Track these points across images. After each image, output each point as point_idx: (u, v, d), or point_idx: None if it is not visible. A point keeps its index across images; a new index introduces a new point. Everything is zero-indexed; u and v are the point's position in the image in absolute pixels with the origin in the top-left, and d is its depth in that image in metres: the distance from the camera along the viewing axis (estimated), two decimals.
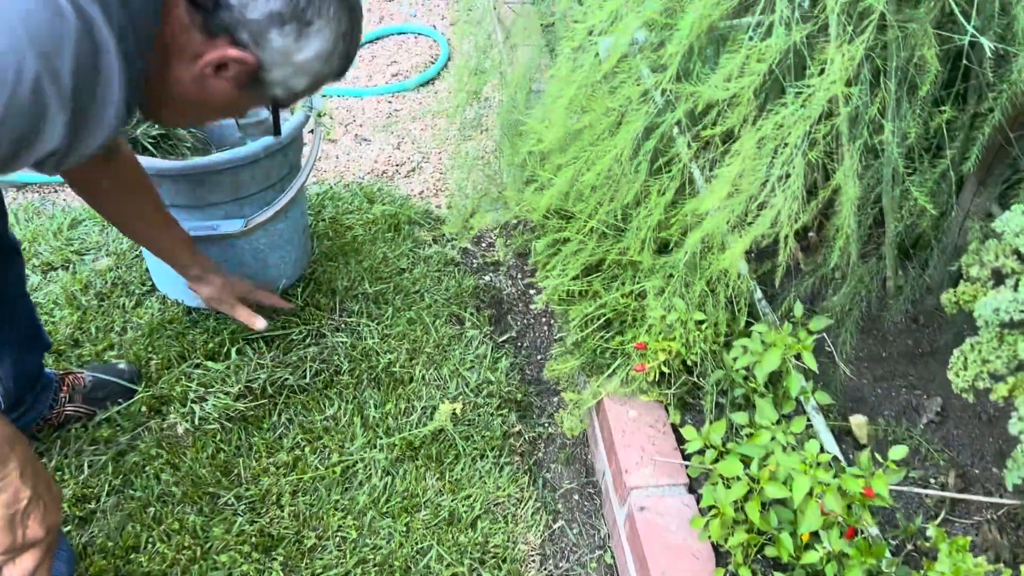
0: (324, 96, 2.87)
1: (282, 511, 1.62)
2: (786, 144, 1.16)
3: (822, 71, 1.11)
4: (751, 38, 1.13)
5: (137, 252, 2.13)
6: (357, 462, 1.71)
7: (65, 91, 0.84)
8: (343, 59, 1.12)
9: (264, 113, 1.23)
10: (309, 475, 1.67)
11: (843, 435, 1.55)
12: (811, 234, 1.83)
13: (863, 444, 1.54)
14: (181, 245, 1.67)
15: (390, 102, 2.88)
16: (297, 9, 1.01)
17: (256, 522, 1.59)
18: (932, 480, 1.48)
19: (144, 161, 1.61)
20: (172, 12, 0.98)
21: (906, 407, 1.61)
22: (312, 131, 1.87)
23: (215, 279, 1.74)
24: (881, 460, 1.24)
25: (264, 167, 1.74)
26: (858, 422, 1.55)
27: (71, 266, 2.11)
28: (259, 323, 1.79)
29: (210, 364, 1.84)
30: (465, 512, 1.64)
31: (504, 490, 1.70)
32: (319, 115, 1.83)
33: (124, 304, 2.01)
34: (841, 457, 1.46)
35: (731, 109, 1.19)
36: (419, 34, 3.22)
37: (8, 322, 1.51)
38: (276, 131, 1.28)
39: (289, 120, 1.76)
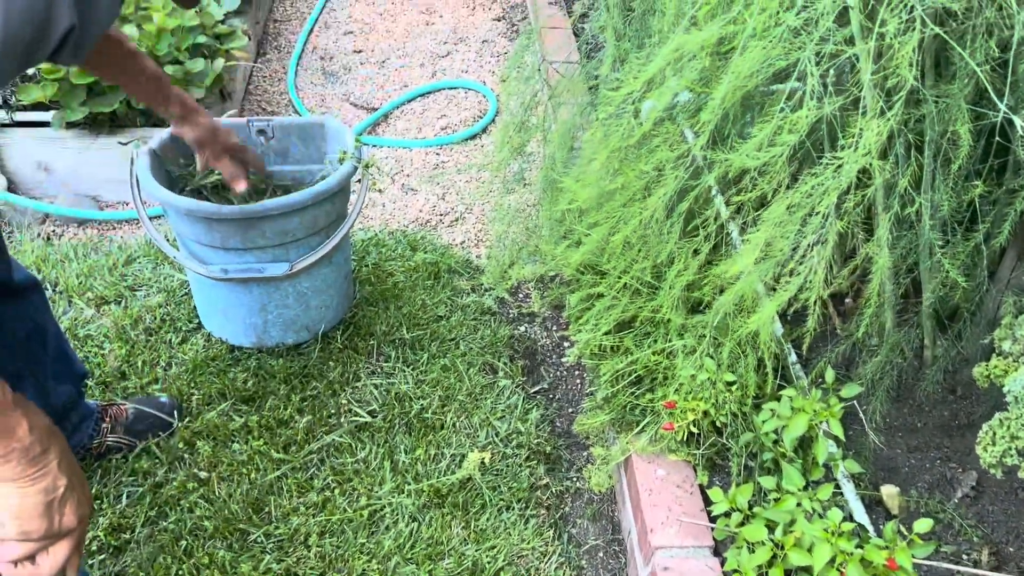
0: (373, 146, 2.96)
1: (309, 551, 1.64)
2: (816, 212, 1.18)
3: (853, 144, 1.13)
4: (782, 109, 1.16)
5: (186, 290, 2.21)
6: (385, 506, 1.73)
7: None
8: None
9: None
10: (337, 517, 1.70)
11: (874, 505, 1.53)
12: (848, 299, 1.82)
13: (894, 515, 1.52)
14: (162, 87, 1.64)
15: (437, 154, 2.96)
16: None
17: (283, 561, 1.62)
18: (965, 556, 1.45)
19: (199, 205, 1.69)
20: None
21: (940, 480, 1.58)
22: (360, 180, 1.94)
23: (202, 120, 1.71)
24: (905, 533, 1.23)
25: (312, 214, 1.81)
26: (889, 492, 1.53)
27: (123, 301, 2.19)
28: (240, 185, 1.82)
29: (247, 404, 1.89)
30: (488, 563, 1.65)
31: (529, 543, 1.70)
32: (366, 166, 1.90)
33: (171, 340, 2.08)
34: (871, 527, 1.44)
35: (763, 177, 1.21)
36: (469, 89, 3.31)
37: (27, 358, 1.54)
38: None
39: (338, 171, 1.83)
